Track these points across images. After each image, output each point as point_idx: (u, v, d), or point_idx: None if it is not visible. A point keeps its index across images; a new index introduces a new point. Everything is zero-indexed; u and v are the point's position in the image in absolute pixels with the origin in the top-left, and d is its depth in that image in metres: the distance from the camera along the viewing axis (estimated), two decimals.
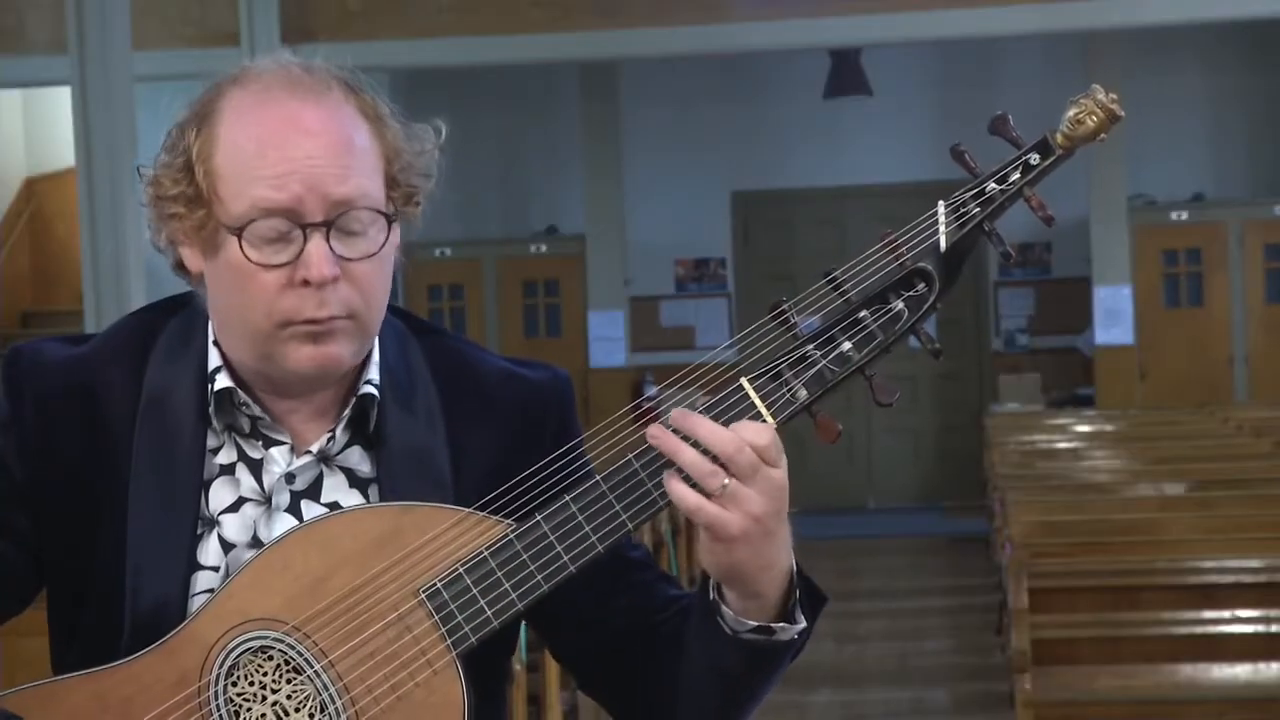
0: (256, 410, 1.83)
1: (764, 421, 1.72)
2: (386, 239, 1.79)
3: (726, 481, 1.69)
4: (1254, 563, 6.50)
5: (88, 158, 9.37)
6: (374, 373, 1.85)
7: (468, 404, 1.88)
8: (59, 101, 12.03)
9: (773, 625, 1.75)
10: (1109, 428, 11.55)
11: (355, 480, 1.85)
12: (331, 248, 1.74)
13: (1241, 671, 6.23)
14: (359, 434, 1.85)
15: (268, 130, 1.74)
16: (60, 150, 12.56)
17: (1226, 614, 6.38)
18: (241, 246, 1.74)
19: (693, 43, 11.66)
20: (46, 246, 14.33)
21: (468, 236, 14.34)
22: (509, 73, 13.70)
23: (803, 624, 1.77)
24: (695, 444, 1.70)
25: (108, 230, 9.31)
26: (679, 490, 1.70)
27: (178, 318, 1.88)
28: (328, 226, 1.74)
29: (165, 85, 11.85)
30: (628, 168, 14.29)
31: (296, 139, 1.74)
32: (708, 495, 1.70)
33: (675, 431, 1.71)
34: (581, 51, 12.02)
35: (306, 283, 1.74)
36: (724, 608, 1.76)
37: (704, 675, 1.80)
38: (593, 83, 14.00)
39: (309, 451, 1.84)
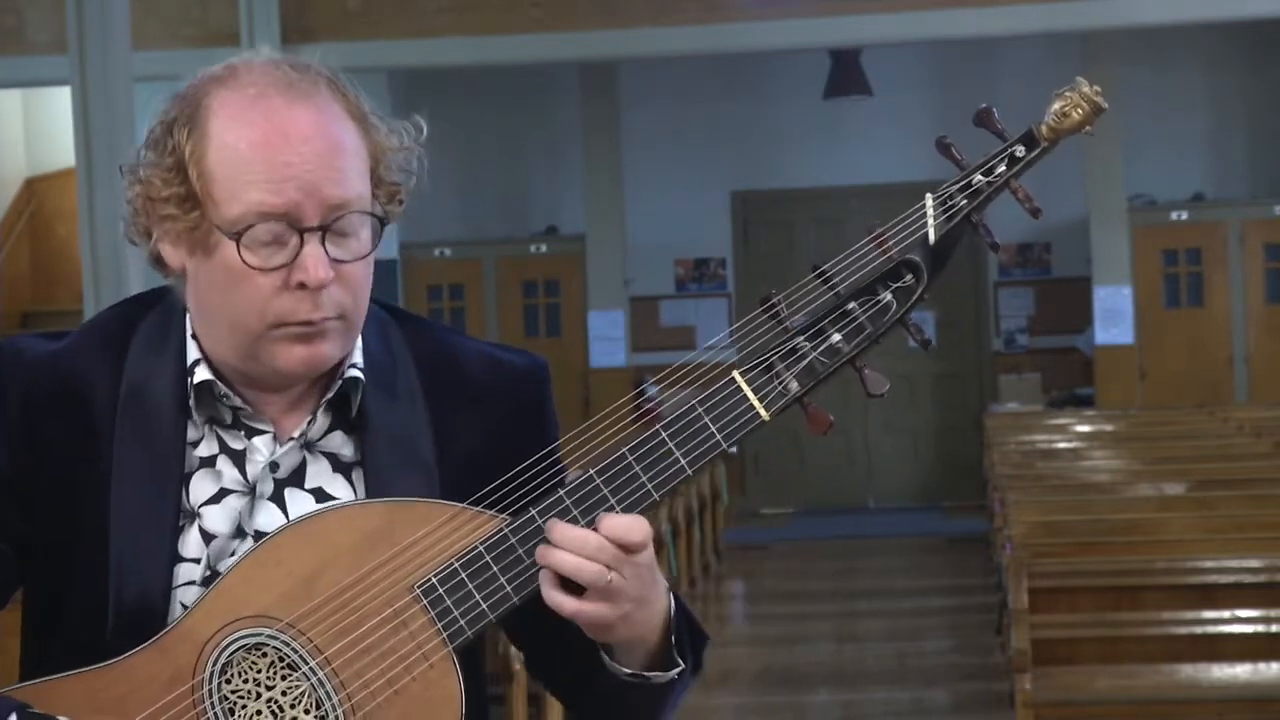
0: (237, 401, 1.84)
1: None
2: (375, 239, 1.81)
3: (611, 577, 1.72)
4: (1254, 563, 6.50)
5: (88, 158, 9.38)
6: (358, 357, 1.86)
7: (449, 388, 1.89)
8: (59, 101, 12.03)
9: (647, 674, 1.80)
10: (1109, 428, 11.56)
11: (339, 465, 1.85)
12: (326, 251, 1.76)
13: (1241, 671, 6.23)
14: (340, 419, 1.86)
15: (263, 133, 1.75)
16: (60, 150, 12.57)
17: (1226, 614, 6.38)
18: (239, 250, 1.74)
19: (693, 42, 11.67)
20: (46, 246, 14.34)
21: (468, 236, 14.34)
22: (509, 73, 13.71)
23: (680, 667, 1.82)
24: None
25: (108, 230, 9.31)
26: (557, 598, 1.73)
27: (154, 312, 1.89)
28: (324, 230, 1.75)
29: (165, 85, 11.87)
30: (628, 168, 14.29)
31: (292, 142, 1.75)
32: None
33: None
34: (581, 51, 12.03)
35: (302, 285, 1.75)
36: (603, 655, 1.81)
37: (604, 697, 1.85)
38: (592, 82, 14.00)
39: (292, 438, 1.84)
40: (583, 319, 14.30)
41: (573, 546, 1.72)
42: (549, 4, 11.64)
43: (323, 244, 1.75)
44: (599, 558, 1.72)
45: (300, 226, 1.75)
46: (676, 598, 1.83)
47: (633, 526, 1.73)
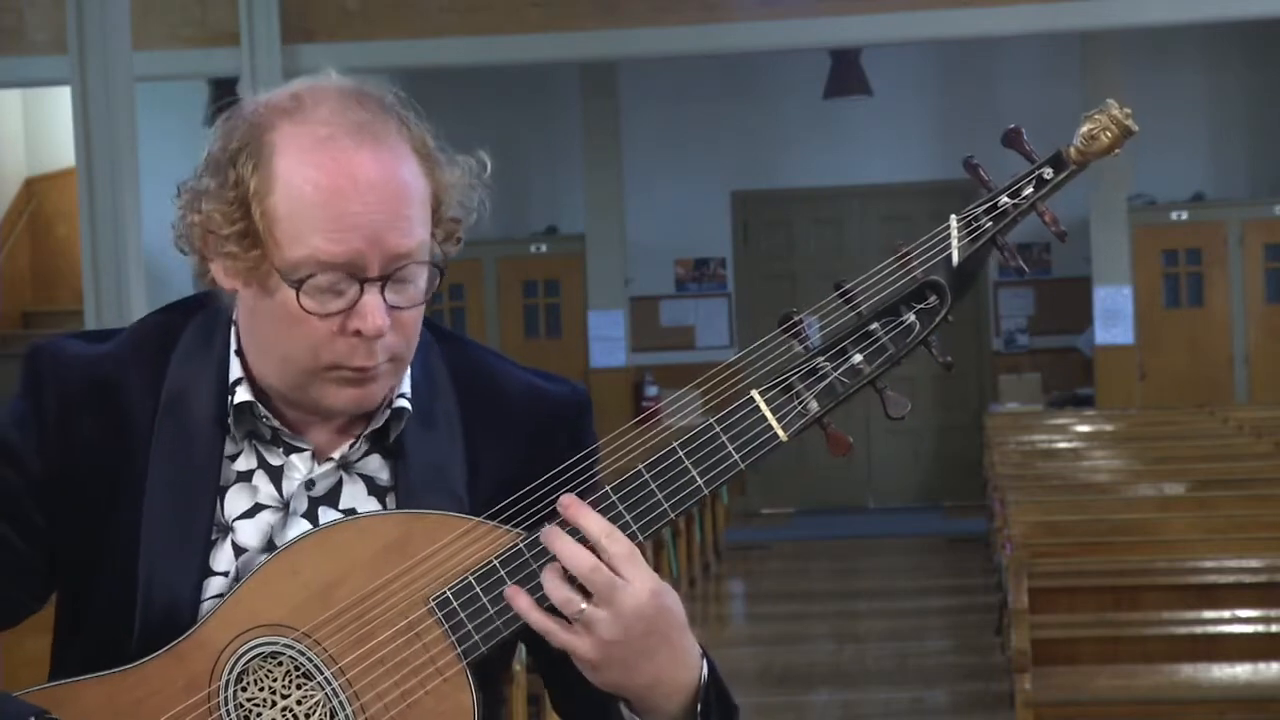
0: (277, 422, 1.83)
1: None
2: (432, 284, 1.80)
3: (584, 607, 1.70)
4: (1254, 563, 6.51)
5: (88, 158, 9.39)
6: (406, 386, 1.85)
7: (486, 414, 1.88)
8: (59, 101, 12.04)
9: None
10: (1109, 428, 11.56)
11: (374, 488, 1.85)
12: (385, 299, 1.74)
13: (1241, 671, 6.24)
14: (379, 443, 1.85)
15: (330, 178, 1.72)
16: (60, 150, 12.57)
17: (1226, 614, 6.39)
18: (299, 297, 1.73)
19: (692, 42, 11.67)
20: (46, 246, 14.34)
21: (468, 236, 14.24)
22: (509, 73, 13.70)
23: None
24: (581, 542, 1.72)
25: (108, 230, 9.32)
26: (534, 615, 1.72)
27: (197, 319, 1.87)
28: (384, 280, 1.74)
29: (165, 85, 11.86)
30: (628, 167, 14.29)
31: (360, 190, 1.72)
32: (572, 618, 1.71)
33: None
34: (581, 51, 12.03)
35: (358, 333, 1.74)
36: (622, 709, 1.78)
37: None
38: (592, 82, 14.01)
39: (331, 458, 1.84)
40: (583, 319, 14.30)
41: (568, 556, 1.70)
42: (549, 4, 11.63)
43: (381, 293, 1.74)
44: (593, 576, 1.69)
45: (361, 276, 1.73)
46: (713, 669, 1.81)
47: (621, 540, 1.71)
